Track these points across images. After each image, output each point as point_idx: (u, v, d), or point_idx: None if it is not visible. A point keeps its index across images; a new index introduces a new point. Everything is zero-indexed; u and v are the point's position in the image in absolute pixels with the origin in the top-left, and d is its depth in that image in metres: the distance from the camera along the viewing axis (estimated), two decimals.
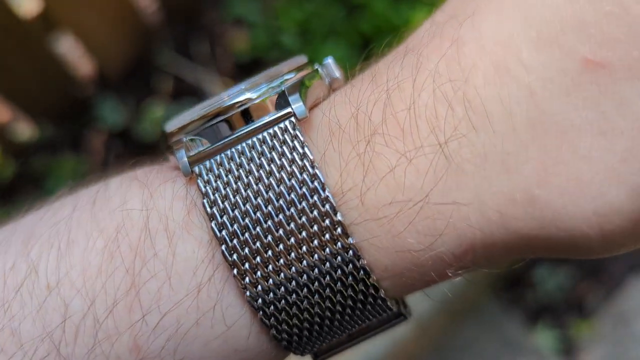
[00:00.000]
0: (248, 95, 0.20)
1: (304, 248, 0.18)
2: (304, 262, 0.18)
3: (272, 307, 0.18)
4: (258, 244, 0.17)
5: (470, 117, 0.18)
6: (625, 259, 1.53)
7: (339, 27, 1.22)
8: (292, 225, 0.18)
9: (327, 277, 0.18)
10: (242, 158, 0.18)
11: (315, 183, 0.18)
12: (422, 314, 0.99)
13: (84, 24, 1.13)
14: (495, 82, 0.18)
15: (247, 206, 0.18)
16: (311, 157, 0.18)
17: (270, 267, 0.18)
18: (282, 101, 0.20)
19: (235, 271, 0.18)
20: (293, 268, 0.18)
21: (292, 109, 0.19)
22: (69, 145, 1.19)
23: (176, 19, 1.31)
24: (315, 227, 0.18)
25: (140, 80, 1.26)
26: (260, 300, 0.18)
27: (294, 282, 0.18)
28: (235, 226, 0.17)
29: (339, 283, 0.19)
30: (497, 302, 1.46)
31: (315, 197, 0.18)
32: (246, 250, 0.17)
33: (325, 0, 1.25)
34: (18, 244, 0.20)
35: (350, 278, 0.19)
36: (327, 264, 0.18)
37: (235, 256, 0.17)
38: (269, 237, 0.17)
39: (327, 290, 0.19)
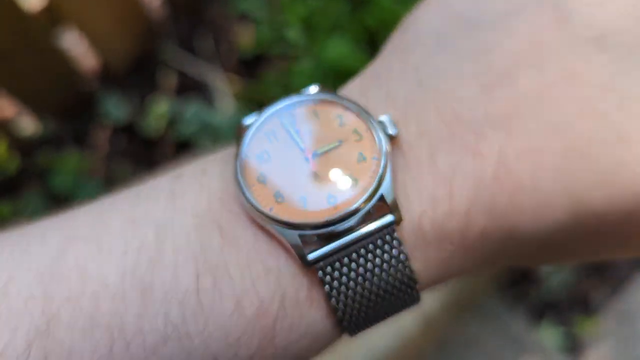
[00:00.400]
0: (360, 203, 0.23)
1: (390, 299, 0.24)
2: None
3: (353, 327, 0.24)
4: (363, 313, 0.23)
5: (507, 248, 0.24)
6: (631, 257, 1.52)
7: (344, 22, 1.22)
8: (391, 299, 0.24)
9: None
10: (353, 257, 0.22)
11: (409, 277, 0.23)
12: (427, 310, 0.99)
13: (88, 19, 1.13)
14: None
15: (362, 298, 0.23)
16: (410, 266, 0.23)
17: (362, 315, 0.24)
18: (382, 204, 0.23)
19: (344, 324, 0.23)
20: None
21: (394, 223, 0.23)
22: (73, 141, 1.19)
23: (180, 14, 1.30)
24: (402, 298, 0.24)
25: (144, 75, 1.26)
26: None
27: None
28: (348, 309, 0.23)
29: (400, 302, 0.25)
30: (502, 298, 1.46)
31: (409, 289, 0.24)
32: (354, 319, 0.23)
33: None
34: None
35: (408, 300, 0.25)
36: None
37: (344, 323, 0.23)
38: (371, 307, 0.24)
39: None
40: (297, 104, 0.24)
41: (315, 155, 0.23)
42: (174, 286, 0.21)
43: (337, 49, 1.16)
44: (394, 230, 0.22)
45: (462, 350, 1.35)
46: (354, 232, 0.22)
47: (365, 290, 0.22)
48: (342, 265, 0.22)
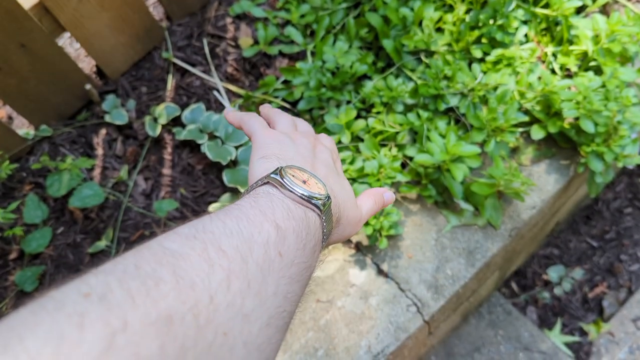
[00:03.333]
0: (325, 192, 0.46)
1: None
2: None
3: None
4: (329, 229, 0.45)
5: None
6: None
7: (346, 20, 1.19)
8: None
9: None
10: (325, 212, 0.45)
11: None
12: (429, 314, 0.95)
13: (86, 21, 1.11)
14: None
15: (328, 223, 0.45)
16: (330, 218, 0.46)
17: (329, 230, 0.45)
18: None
19: (324, 237, 0.44)
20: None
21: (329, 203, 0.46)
22: (69, 142, 1.16)
23: (180, 14, 1.28)
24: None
25: (143, 76, 1.24)
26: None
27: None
28: (327, 229, 0.45)
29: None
30: (513, 303, 1.42)
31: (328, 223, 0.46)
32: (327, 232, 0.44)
33: None
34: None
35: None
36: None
37: (324, 237, 0.44)
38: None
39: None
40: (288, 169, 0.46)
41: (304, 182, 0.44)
42: (300, 235, 0.39)
43: (338, 47, 1.13)
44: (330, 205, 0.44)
45: (470, 356, 1.31)
46: (327, 204, 0.43)
47: (329, 222, 0.44)
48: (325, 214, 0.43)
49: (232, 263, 0.32)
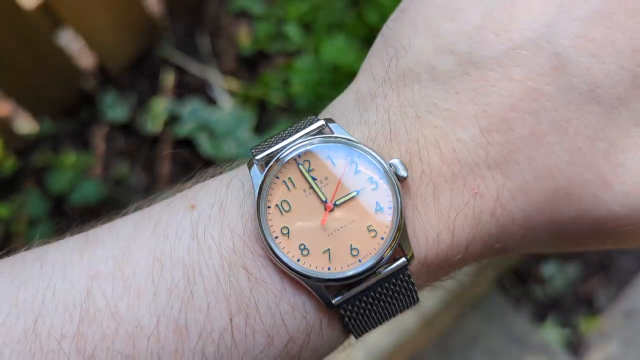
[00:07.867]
0: (381, 255, 0.24)
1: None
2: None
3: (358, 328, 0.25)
4: (373, 328, 0.25)
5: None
6: (636, 256, 1.51)
7: (344, 18, 1.20)
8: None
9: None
10: (371, 294, 0.24)
11: (414, 297, 0.25)
12: (427, 309, 0.98)
13: (86, 18, 1.12)
14: None
15: (374, 322, 0.25)
16: (417, 291, 0.25)
17: (371, 329, 0.26)
18: (399, 248, 0.24)
19: (356, 337, 0.25)
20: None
21: (406, 259, 0.24)
22: (70, 140, 1.18)
23: (179, 12, 1.29)
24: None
25: (143, 74, 1.25)
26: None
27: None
28: (363, 330, 0.25)
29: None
30: (506, 298, 1.44)
31: (412, 303, 0.25)
32: (364, 332, 0.25)
33: None
34: None
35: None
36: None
37: (357, 336, 0.26)
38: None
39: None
40: (313, 148, 0.23)
41: (335, 205, 0.23)
42: (208, 326, 0.22)
43: (336, 45, 1.15)
44: (407, 270, 0.24)
45: (465, 349, 1.34)
46: (373, 277, 0.23)
47: (378, 315, 0.25)
48: (360, 302, 0.23)
49: None
